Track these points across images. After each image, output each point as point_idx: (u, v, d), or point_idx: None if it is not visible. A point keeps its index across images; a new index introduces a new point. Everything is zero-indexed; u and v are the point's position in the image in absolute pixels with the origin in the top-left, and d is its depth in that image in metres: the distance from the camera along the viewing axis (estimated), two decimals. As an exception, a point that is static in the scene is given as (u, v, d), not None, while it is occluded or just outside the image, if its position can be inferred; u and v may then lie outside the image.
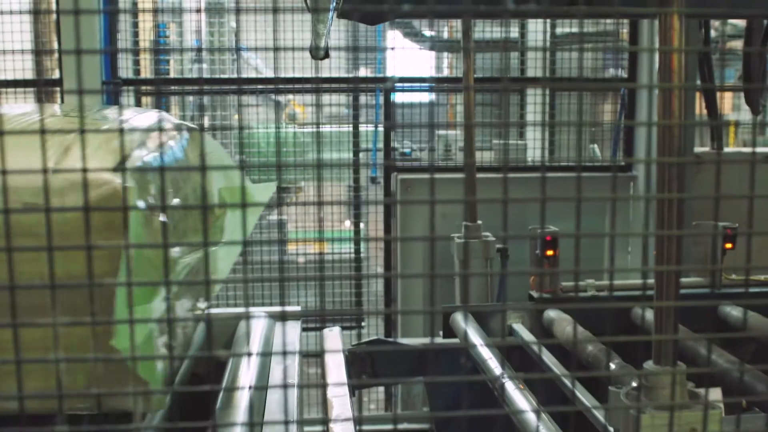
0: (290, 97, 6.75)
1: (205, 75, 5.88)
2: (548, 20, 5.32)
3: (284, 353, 2.14)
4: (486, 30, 5.86)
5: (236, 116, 5.70)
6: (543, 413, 1.82)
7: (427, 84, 5.28)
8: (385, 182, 5.25)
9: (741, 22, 4.86)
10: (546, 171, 1.04)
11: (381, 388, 5.10)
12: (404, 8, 0.97)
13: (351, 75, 5.45)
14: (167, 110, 5.92)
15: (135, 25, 5.44)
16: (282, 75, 4.99)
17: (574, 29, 5.68)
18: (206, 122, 5.77)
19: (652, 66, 5.11)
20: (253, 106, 5.53)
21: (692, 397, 1.39)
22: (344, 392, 2.24)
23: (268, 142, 5.76)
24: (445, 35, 7.66)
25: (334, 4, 2.07)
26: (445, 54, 7.87)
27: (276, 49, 1.01)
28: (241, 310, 2.75)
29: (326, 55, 2.32)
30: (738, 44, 7.32)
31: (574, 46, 5.70)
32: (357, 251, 5.44)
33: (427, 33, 7.62)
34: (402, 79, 5.33)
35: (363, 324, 5.44)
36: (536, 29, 5.66)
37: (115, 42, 4.95)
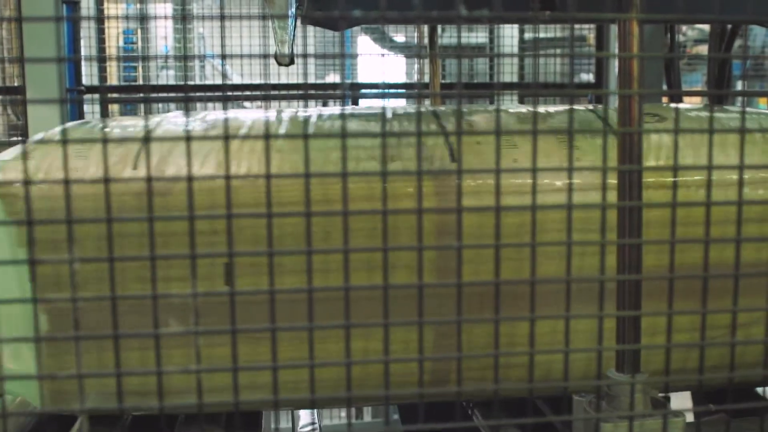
0: (258, 104, 6.70)
1: (172, 82, 5.83)
2: (517, 26, 5.32)
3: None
4: (454, 36, 5.86)
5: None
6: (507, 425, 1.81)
7: (394, 90, 5.26)
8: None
9: (706, 27, 4.88)
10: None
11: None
12: (355, 14, 0.96)
13: (321, 81, 5.42)
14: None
15: (101, 31, 5.38)
16: (253, 82, 4.96)
17: (542, 34, 5.68)
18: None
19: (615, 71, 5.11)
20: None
21: (656, 404, 1.38)
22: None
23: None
24: (416, 41, 7.65)
25: (294, 9, 2.04)
26: (415, 60, 7.86)
27: (227, 56, 0.98)
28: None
29: (291, 62, 2.28)
30: (704, 49, 7.38)
31: (542, 52, 5.70)
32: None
33: (397, 39, 7.61)
34: (364, 85, 5.31)
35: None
36: (504, 34, 5.67)
37: (78, 49, 4.88)
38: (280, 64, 2.41)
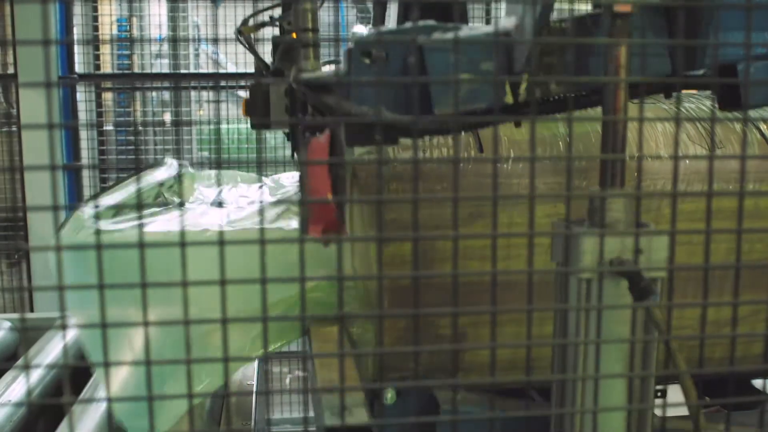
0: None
1: (166, 70, 5.77)
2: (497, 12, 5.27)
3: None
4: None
5: (200, 111, 5.62)
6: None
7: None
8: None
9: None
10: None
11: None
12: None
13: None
14: (128, 105, 5.81)
15: (95, 19, 5.33)
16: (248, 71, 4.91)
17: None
18: (167, 118, 5.68)
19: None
20: (214, 102, 5.43)
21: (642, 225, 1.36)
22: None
23: (238, 139, 5.61)
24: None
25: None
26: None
27: (218, 40, 0.96)
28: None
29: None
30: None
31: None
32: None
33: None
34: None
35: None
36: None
37: (71, 35, 4.83)
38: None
